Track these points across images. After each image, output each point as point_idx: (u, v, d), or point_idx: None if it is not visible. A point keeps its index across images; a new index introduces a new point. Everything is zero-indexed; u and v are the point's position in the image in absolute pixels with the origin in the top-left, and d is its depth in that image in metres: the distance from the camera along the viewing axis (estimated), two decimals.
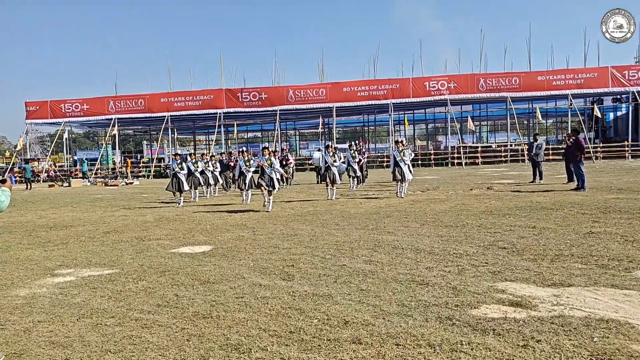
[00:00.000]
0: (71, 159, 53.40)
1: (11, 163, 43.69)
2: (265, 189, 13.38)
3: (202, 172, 18.41)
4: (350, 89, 41.60)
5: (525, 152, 19.91)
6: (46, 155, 54.16)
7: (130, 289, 5.95)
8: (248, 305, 5.08)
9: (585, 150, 17.15)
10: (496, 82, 40.51)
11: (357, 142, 24.27)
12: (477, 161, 38.58)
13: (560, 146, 38.82)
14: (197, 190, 18.01)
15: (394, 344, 3.93)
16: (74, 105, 44.58)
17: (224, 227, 10.89)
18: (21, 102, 45.02)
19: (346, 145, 25.38)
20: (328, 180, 15.69)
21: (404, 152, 15.26)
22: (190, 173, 17.38)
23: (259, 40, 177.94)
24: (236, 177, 16.68)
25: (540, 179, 18.65)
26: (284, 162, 21.82)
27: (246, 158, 15.47)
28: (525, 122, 56.66)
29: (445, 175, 26.13)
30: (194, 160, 18.31)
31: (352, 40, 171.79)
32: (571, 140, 16.51)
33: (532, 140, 20.22)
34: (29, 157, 48.47)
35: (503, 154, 39.54)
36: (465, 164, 37.57)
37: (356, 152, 19.58)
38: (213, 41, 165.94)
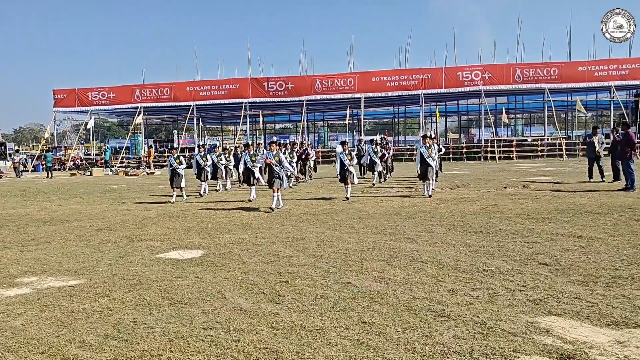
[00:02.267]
0: (104, 147, 53.37)
1: (39, 151, 43.79)
2: (271, 186, 12.04)
3: (214, 165, 17.32)
4: (380, 79, 40.04)
5: (581, 147, 17.07)
6: (81, 144, 54.27)
7: (86, 309, 4.92)
8: (214, 342, 3.97)
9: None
10: (533, 73, 38.36)
11: (382, 136, 22.72)
12: (511, 156, 36.69)
13: (605, 141, 36.62)
14: (205, 184, 16.63)
15: None
16: (100, 94, 44.31)
17: (227, 226, 9.83)
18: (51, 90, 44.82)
19: (375, 137, 23.90)
20: (346, 179, 13.86)
21: (432, 148, 13.61)
22: (199, 166, 16.45)
23: (287, 29, 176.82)
24: (240, 173, 15.54)
25: (602, 177, 16.21)
26: (303, 156, 20.45)
27: (251, 152, 14.30)
28: (563, 115, 54.08)
29: (478, 171, 24.56)
30: (202, 153, 16.99)
31: (383, 29, 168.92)
32: (619, 134, 14.83)
33: (590, 133, 17.74)
34: (57, 144, 48.61)
35: (539, 149, 37.52)
36: (499, 158, 35.76)
37: (378, 147, 18.27)
38: (242, 31, 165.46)
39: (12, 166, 33.08)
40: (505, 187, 15.28)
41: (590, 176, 16.67)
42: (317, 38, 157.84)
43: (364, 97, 40.00)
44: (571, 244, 7.20)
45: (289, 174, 13.19)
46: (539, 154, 36.98)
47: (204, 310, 4.75)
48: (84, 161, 41.69)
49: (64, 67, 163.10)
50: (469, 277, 5.64)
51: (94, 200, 15.85)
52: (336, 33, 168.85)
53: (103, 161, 39.55)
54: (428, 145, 13.58)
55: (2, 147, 32.67)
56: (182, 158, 14.78)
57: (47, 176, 30.28)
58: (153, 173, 30.88)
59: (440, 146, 14.39)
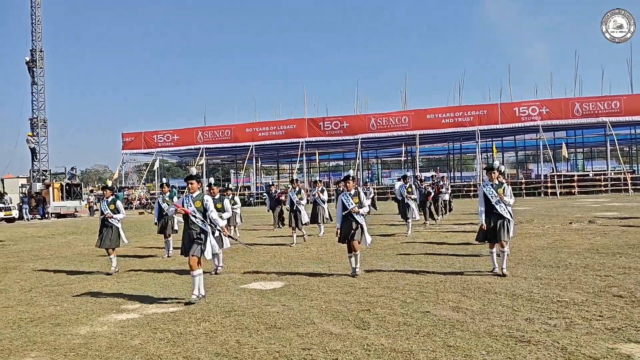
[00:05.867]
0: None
1: None
2: (193, 254, 7.07)
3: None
4: (434, 116, 40.38)
5: None
6: (143, 184, 56.86)
7: (192, 331, 5.49)
8: (315, 359, 4.43)
9: None
10: (594, 107, 37.67)
11: (434, 174, 22.51)
12: (573, 191, 35.80)
13: None
14: (169, 239, 12.37)
15: None
16: (165, 136, 46.77)
17: (299, 260, 10.36)
18: (119, 133, 47.73)
19: (408, 174, 21.34)
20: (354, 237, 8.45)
21: (503, 188, 8.20)
22: (161, 214, 12.27)
23: (342, 71, 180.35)
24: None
25: None
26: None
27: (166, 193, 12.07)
28: (627, 148, 52.34)
29: (539, 206, 24.23)
30: (167, 194, 12.22)
31: (436, 66, 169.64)
32: None
33: None
34: (124, 185, 51.20)
35: (602, 184, 36.45)
36: (560, 194, 34.98)
37: (414, 185, 15.70)
38: (297, 73, 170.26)
39: (87, 205, 35.20)
40: (571, 223, 15.15)
41: None
42: (370, 76, 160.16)
43: (419, 135, 40.34)
44: None
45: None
46: (602, 189, 35.92)
47: (298, 334, 5.22)
48: (149, 200, 43.68)
49: (126, 109, 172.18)
50: (544, 308, 5.86)
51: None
52: (389, 71, 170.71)
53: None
54: (497, 183, 8.27)
55: (78, 188, 34.93)
56: (119, 203, 10.49)
57: None
58: None
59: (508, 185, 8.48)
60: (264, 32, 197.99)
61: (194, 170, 7.56)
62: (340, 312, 6.05)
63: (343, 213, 8.47)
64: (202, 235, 7.15)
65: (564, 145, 40.09)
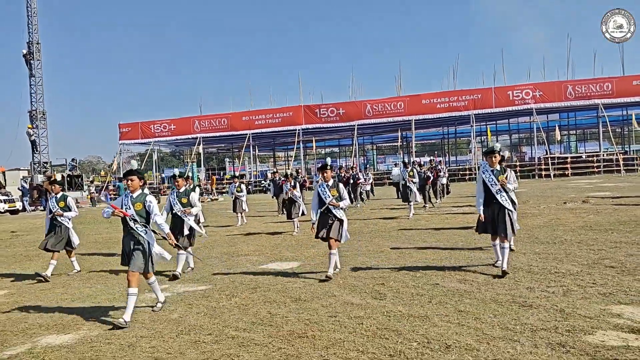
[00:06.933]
0: (159, 176, 55.90)
1: (106, 182, 46.61)
2: (133, 270, 5.86)
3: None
4: (429, 101, 40.93)
5: None
6: None
7: (224, 305, 6.03)
8: (342, 325, 4.98)
9: None
10: (586, 89, 38.31)
11: (432, 158, 23.14)
12: (566, 173, 36.54)
13: None
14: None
15: None
16: (162, 126, 47.09)
17: (309, 242, 10.89)
18: (114, 124, 48.03)
19: (407, 160, 22.30)
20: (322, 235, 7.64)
21: (506, 175, 7.21)
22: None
23: (336, 57, 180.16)
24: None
25: None
26: (352, 182, 19.87)
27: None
28: (619, 130, 53.10)
29: (534, 188, 24.89)
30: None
31: (430, 52, 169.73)
32: None
33: None
34: (120, 175, 51.54)
35: (595, 165, 37.20)
36: (554, 175, 35.70)
37: (415, 170, 16.00)
38: (292, 60, 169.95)
39: (90, 197, 35.64)
40: (565, 203, 15.78)
41: None
42: (364, 63, 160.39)
43: (414, 120, 40.87)
44: (635, 250, 7.86)
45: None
46: (595, 170, 36.67)
47: (322, 305, 5.77)
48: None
49: (120, 101, 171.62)
50: (543, 278, 6.44)
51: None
52: (383, 57, 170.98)
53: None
54: (499, 169, 7.21)
55: (79, 179, 35.35)
56: (70, 199, 9.20)
57: None
58: (217, 199, 32.58)
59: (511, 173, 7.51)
60: (257, 21, 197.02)
61: (134, 164, 6.26)
62: (357, 286, 6.60)
63: (320, 210, 7.56)
64: (143, 245, 5.87)
65: (557, 128, 40.69)
